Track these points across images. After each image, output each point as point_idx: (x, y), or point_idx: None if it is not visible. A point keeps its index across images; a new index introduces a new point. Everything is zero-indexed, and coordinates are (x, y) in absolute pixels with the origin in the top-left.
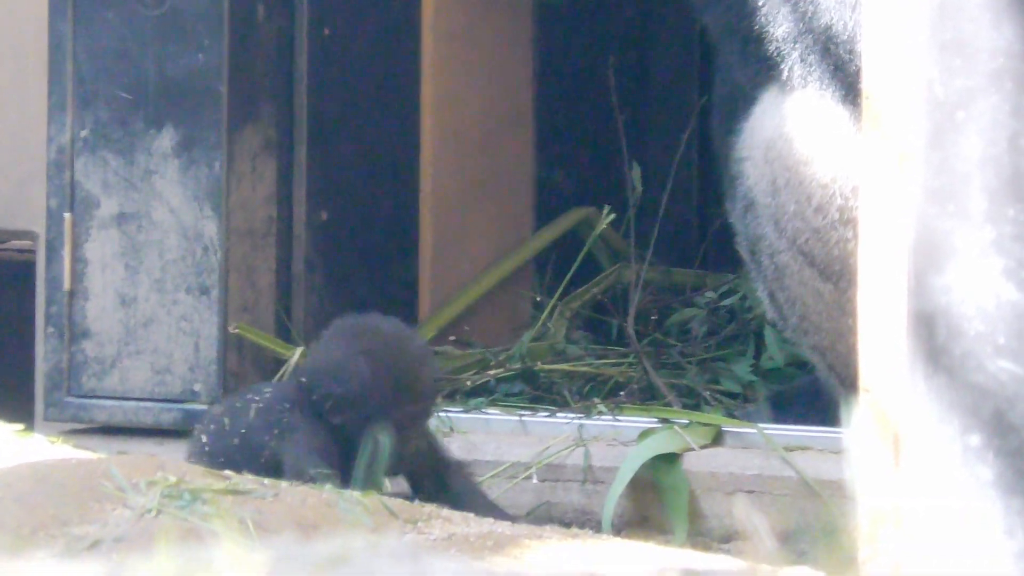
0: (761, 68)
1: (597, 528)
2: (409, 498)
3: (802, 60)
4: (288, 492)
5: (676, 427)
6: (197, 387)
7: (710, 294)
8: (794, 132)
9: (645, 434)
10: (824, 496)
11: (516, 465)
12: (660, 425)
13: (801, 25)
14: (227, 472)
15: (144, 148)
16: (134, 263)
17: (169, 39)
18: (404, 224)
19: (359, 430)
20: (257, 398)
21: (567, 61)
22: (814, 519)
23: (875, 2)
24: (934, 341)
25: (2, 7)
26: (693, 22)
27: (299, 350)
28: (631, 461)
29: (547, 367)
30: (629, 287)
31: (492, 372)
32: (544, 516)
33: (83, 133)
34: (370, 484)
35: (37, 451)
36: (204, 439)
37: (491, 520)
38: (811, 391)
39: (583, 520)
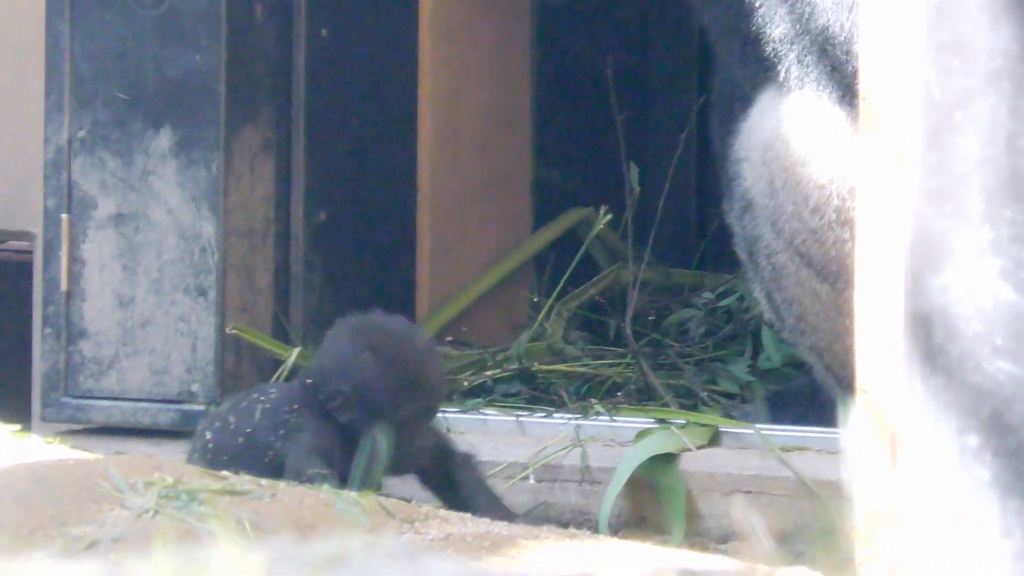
0: (759, 69)
1: (594, 528)
2: (417, 496)
3: (799, 61)
4: (285, 492)
5: (673, 427)
6: (195, 388)
7: (708, 294)
8: (792, 133)
9: (642, 434)
10: (821, 496)
11: (513, 465)
12: (657, 425)
13: (798, 26)
14: (224, 472)
15: (142, 148)
16: (132, 264)
17: (167, 39)
18: (402, 224)
19: (367, 428)
20: (263, 398)
21: (566, 61)
22: (811, 519)
23: (872, 3)
24: (931, 342)
25: (2, 7)
26: (691, 22)
27: (296, 350)
28: (628, 461)
29: (544, 367)
30: (627, 287)
31: (490, 372)
32: (541, 516)
33: (81, 133)
34: (368, 484)
35: (34, 451)
36: (208, 436)
37: (488, 520)
38: (808, 392)
39: (580, 520)
